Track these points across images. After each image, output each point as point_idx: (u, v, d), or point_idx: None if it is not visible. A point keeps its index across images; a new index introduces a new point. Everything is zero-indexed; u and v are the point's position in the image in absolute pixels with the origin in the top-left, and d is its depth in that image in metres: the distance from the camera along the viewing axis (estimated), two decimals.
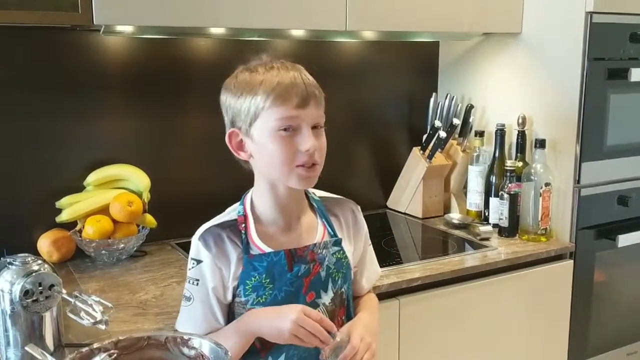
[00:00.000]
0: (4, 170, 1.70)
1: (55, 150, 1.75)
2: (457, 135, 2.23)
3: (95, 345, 0.94)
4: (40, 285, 1.10)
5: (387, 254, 1.79)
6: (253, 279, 1.16)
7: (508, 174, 1.94)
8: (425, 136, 2.21)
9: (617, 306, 2.12)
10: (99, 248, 1.70)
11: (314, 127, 1.13)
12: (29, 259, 1.13)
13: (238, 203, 1.23)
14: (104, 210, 1.74)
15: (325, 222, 1.24)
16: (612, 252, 2.02)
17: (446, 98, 2.22)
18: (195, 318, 1.18)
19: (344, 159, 2.21)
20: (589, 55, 1.85)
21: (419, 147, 2.21)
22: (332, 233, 1.24)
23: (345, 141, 2.19)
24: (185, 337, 0.98)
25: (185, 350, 0.97)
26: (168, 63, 1.87)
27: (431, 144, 2.16)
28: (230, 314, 1.20)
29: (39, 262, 1.14)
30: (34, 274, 1.10)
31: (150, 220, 1.81)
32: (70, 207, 1.74)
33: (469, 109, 2.18)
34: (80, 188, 1.78)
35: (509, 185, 1.94)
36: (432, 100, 2.27)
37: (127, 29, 1.65)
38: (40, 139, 1.73)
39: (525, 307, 1.88)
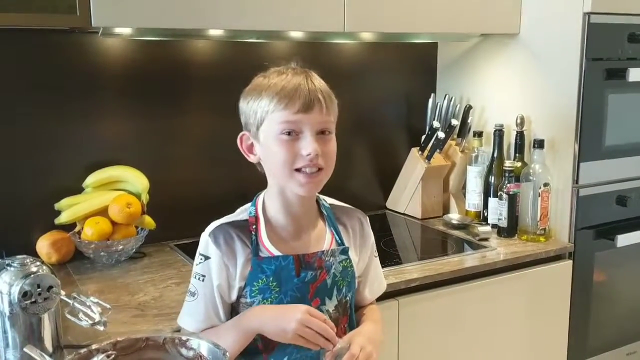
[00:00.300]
0: (3, 172, 1.70)
1: (54, 152, 1.75)
2: (455, 136, 2.23)
3: (94, 347, 0.94)
4: (38, 286, 1.11)
5: (387, 255, 1.79)
6: (260, 281, 1.16)
7: (507, 174, 1.94)
8: (423, 137, 2.21)
9: (617, 306, 2.12)
10: (98, 249, 1.71)
11: (321, 133, 1.14)
12: (28, 260, 1.13)
13: (250, 204, 1.24)
14: (103, 211, 1.74)
15: (333, 230, 1.25)
16: (611, 252, 2.02)
17: (444, 99, 2.23)
18: (197, 313, 1.19)
19: (343, 159, 2.17)
20: (587, 56, 1.85)
21: (418, 148, 2.21)
22: (339, 241, 1.24)
23: (344, 142, 2.16)
24: (184, 338, 0.99)
25: (184, 351, 0.97)
26: (166, 65, 1.87)
27: (430, 145, 2.16)
28: (234, 314, 1.20)
29: (38, 263, 1.14)
30: (32, 275, 1.10)
31: (149, 221, 1.81)
32: (69, 208, 1.74)
33: (468, 109, 2.19)
34: (79, 190, 1.79)
35: (508, 185, 1.94)
36: (430, 101, 2.27)
37: (126, 31, 1.65)
38: (39, 140, 1.73)
39: (524, 307, 1.88)
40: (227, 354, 0.93)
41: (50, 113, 1.74)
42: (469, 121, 2.18)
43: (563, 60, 1.90)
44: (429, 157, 2.16)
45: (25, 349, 1.07)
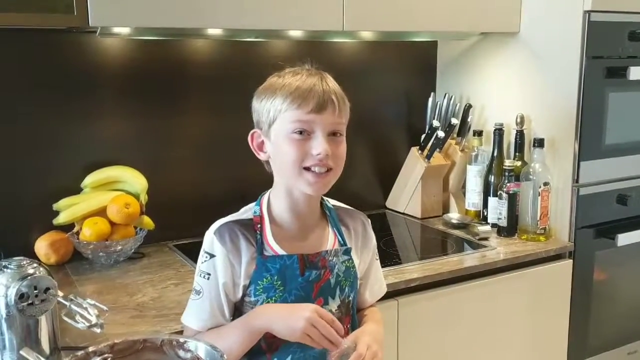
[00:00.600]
0: (1, 172, 1.69)
1: (52, 152, 1.75)
2: (455, 135, 2.23)
3: (91, 349, 0.94)
4: (35, 288, 1.10)
5: (386, 254, 1.78)
6: (265, 279, 1.16)
7: (507, 173, 1.93)
8: (423, 136, 2.21)
9: (617, 305, 2.11)
10: (97, 250, 1.70)
11: (333, 134, 1.15)
12: (25, 262, 1.13)
13: (254, 203, 1.24)
14: (102, 212, 1.74)
15: (336, 231, 1.26)
16: (612, 251, 2.01)
17: (444, 98, 2.22)
18: (202, 312, 1.19)
19: None
20: (587, 54, 1.84)
21: (418, 147, 2.20)
22: (342, 242, 1.25)
23: None
24: (182, 340, 0.98)
25: (182, 353, 0.97)
26: (165, 64, 1.87)
27: (429, 144, 2.16)
28: (237, 313, 1.21)
29: (35, 265, 1.13)
30: (29, 277, 1.10)
31: (147, 222, 1.81)
32: (67, 209, 1.74)
33: (467, 108, 2.18)
34: (77, 190, 1.78)
35: (508, 184, 1.93)
36: (430, 100, 2.26)
37: (124, 30, 1.64)
38: (37, 140, 1.73)
39: (524, 307, 1.87)
40: (225, 356, 0.93)
41: (49, 113, 1.73)
42: (468, 120, 2.18)
43: (563, 59, 1.89)
44: (428, 157, 2.15)
45: (21, 352, 1.07)
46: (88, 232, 1.69)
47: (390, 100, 2.29)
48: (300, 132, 1.13)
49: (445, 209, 2.24)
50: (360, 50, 2.19)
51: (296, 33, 1.90)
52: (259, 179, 1.25)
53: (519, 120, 1.98)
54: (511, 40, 2.05)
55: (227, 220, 1.21)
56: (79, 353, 0.93)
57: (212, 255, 1.17)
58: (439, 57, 2.35)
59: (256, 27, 1.66)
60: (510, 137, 2.05)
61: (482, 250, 1.85)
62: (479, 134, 2.13)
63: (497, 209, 1.98)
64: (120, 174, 1.80)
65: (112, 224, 1.73)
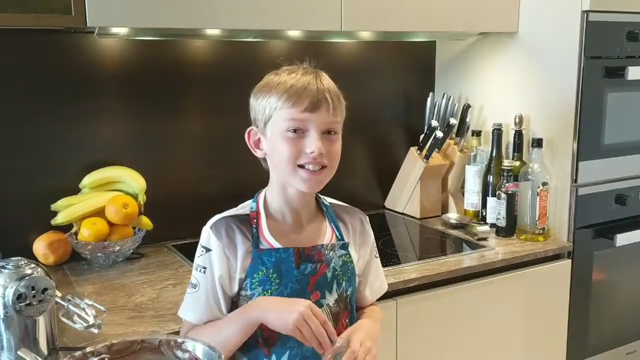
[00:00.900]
0: None
1: (50, 153, 1.75)
2: (454, 135, 2.23)
3: (88, 349, 0.94)
4: (33, 289, 1.10)
5: (385, 255, 1.78)
6: (260, 272, 1.17)
7: (505, 173, 1.93)
8: (422, 136, 2.21)
9: (616, 305, 2.11)
10: (95, 250, 1.70)
11: (327, 133, 1.16)
12: (22, 262, 1.13)
13: (251, 200, 1.25)
14: (100, 212, 1.73)
15: (333, 226, 1.26)
16: (610, 251, 2.01)
17: (443, 98, 2.22)
18: (199, 305, 1.19)
19: (341, 159, 2.19)
20: (586, 54, 1.84)
21: (416, 147, 2.20)
22: (339, 237, 1.26)
23: (342, 141, 2.18)
24: (179, 340, 0.98)
25: (179, 353, 0.97)
26: (163, 65, 1.87)
27: (428, 144, 2.16)
28: (234, 308, 1.20)
29: (32, 265, 1.13)
30: (27, 277, 1.10)
31: (146, 222, 1.80)
32: (65, 209, 1.74)
33: (466, 108, 2.18)
34: (75, 190, 1.78)
35: (507, 184, 1.93)
36: (429, 100, 2.26)
37: (122, 30, 1.64)
38: (35, 141, 1.73)
39: (523, 307, 1.87)
40: (222, 356, 0.93)
41: (47, 113, 1.73)
42: (467, 120, 2.18)
43: (562, 59, 1.89)
44: (427, 157, 2.15)
45: (19, 352, 1.07)
46: (86, 232, 1.69)
47: (389, 100, 2.29)
48: (295, 130, 1.13)
49: (444, 209, 2.24)
50: (359, 50, 2.19)
51: (295, 33, 1.90)
52: (257, 180, 1.25)
53: (517, 120, 1.98)
54: (510, 40, 2.05)
55: (223, 215, 1.22)
56: (77, 353, 0.92)
57: (208, 249, 1.18)
58: (438, 57, 2.35)
59: (254, 27, 1.66)
60: (508, 137, 2.05)
61: (481, 250, 1.85)
62: (477, 134, 2.13)
63: (495, 209, 1.98)
64: (118, 174, 1.80)
65: (111, 224, 1.73)
